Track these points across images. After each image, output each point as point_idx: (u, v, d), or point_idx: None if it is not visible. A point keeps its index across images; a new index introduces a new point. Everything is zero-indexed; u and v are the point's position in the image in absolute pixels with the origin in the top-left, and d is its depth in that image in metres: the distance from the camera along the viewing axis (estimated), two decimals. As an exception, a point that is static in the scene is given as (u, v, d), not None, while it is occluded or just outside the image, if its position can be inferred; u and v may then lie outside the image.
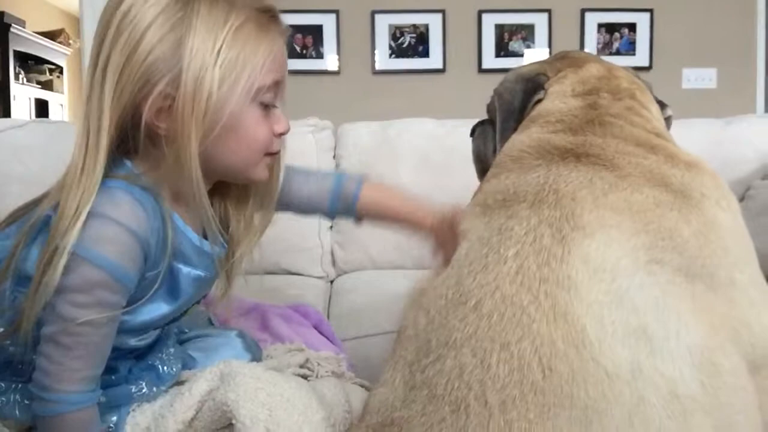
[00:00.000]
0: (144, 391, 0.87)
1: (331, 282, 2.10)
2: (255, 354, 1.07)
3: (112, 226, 0.74)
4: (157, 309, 0.84)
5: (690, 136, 2.08)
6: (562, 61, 1.07)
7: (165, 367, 0.91)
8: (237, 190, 0.92)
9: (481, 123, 1.26)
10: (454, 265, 0.79)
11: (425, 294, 0.80)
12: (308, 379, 0.93)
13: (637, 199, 0.78)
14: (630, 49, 3.72)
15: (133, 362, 0.89)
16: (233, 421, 0.77)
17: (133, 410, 0.85)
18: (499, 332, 0.70)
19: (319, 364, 0.97)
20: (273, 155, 0.88)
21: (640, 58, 3.71)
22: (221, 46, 0.75)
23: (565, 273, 0.72)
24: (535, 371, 0.67)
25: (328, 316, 1.72)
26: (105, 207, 0.74)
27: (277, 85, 0.83)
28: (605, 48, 3.71)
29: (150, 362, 0.90)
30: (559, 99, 0.99)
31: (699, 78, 3.71)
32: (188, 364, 0.97)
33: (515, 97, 1.04)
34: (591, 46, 3.71)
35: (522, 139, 0.94)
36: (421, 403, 0.70)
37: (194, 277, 0.86)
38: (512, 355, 0.68)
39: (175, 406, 0.82)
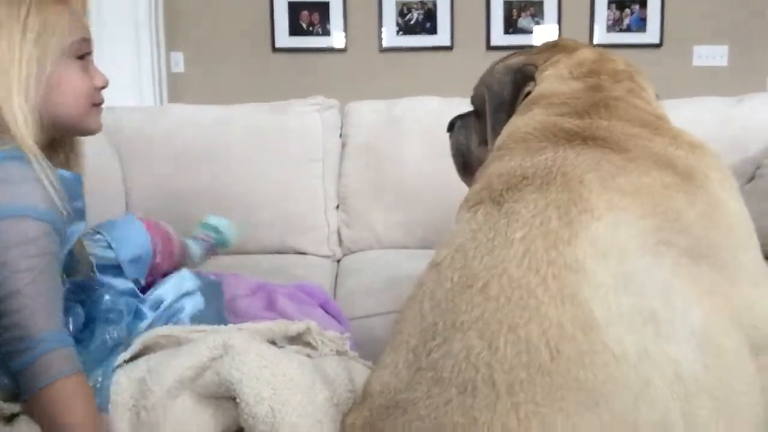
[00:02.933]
0: (114, 335, 0.92)
1: (338, 261, 2.10)
2: (207, 287, 1.14)
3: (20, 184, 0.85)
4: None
5: (700, 114, 2.06)
6: (552, 49, 1.08)
7: (112, 315, 0.98)
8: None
9: (459, 117, 1.26)
10: (460, 249, 0.79)
11: (427, 278, 0.80)
12: (311, 357, 0.93)
13: (644, 182, 0.78)
14: (641, 25, 3.68)
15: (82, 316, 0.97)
16: (237, 400, 0.77)
17: (126, 363, 0.87)
18: (507, 315, 0.70)
19: (323, 342, 0.97)
20: (99, 105, 1.02)
21: (651, 34, 3.67)
22: (27, 14, 0.89)
23: (572, 255, 0.72)
24: (543, 353, 0.67)
25: (335, 296, 1.72)
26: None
27: (86, 42, 0.98)
28: (615, 24, 3.67)
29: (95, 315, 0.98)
30: (558, 81, 0.99)
31: (710, 55, 3.66)
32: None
33: (505, 88, 1.05)
34: (601, 22, 3.67)
35: (526, 121, 0.94)
36: (427, 386, 0.70)
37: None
38: (520, 337, 0.68)
39: (172, 362, 0.82)
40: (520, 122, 0.94)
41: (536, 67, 1.05)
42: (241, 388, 0.76)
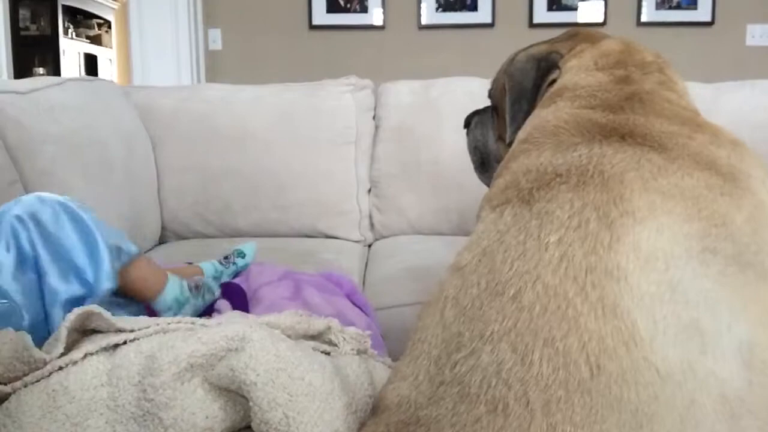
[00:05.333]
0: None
1: (369, 246, 2.06)
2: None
3: None
4: None
5: (754, 98, 1.96)
6: (575, 38, 1.04)
7: None
8: None
9: (476, 113, 1.23)
10: (486, 252, 0.73)
11: (449, 283, 0.75)
12: (330, 354, 0.89)
13: (688, 183, 0.73)
14: (691, 3, 3.53)
15: None
16: (250, 403, 0.73)
17: (138, 339, 0.83)
18: (542, 326, 0.65)
19: (344, 339, 0.93)
20: None
21: (702, 12, 3.52)
22: None
23: (614, 262, 0.67)
24: (583, 370, 0.62)
25: (363, 283, 1.68)
26: None
27: None
28: (665, 2, 3.53)
29: None
30: (583, 72, 0.95)
31: (764, 34, 3.51)
32: None
33: (527, 78, 1.01)
34: (650, -1, 3.52)
35: (554, 113, 0.89)
36: (452, 402, 0.65)
37: None
38: (557, 351, 0.63)
39: (188, 343, 0.77)
40: (547, 115, 0.90)
41: (561, 55, 1.01)
42: (255, 391, 0.72)
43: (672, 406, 0.61)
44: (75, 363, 0.78)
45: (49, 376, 0.77)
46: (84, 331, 0.86)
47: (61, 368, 0.78)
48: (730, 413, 0.63)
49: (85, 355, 0.79)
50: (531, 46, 1.09)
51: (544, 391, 0.62)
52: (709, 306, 0.66)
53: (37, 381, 0.77)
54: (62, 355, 0.79)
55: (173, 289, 1.17)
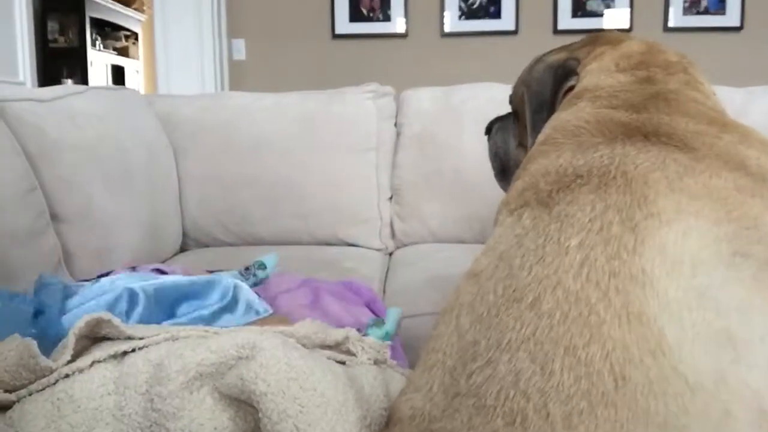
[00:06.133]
0: None
1: (390, 254, 2.04)
2: None
3: None
4: None
5: (785, 104, 1.89)
6: (595, 42, 1.03)
7: None
8: None
9: (498, 119, 1.23)
10: (503, 257, 0.70)
11: (465, 290, 0.72)
12: (346, 364, 0.86)
13: (716, 184, 0.70)
14: (719, 7, 3.48)
15: None
16: (259, 414, 0.71)
17: (147, 347, 0.81)
18: (563, 334, 0.61)
19: (362, 349, 0.90)
20: None
21: (731, 17, 3.46)
22: None
23: (638, 266, 0.63)
24: (606, 380, 0.59)
25: (384, 291, 1.66)
26: None
27: None
28: (692, 6, 3.47)
29: None
30: (603, 74, 0.94)
31: (796, 39, 3.43)
32: None
33: (545, 87, 1.00)
34: (677, 4, 3.48)
35: (574, 114, 0.86)
36: (467, 414, 0.62)
37: None
38: (579, 360, 0.60)
39: (197, 352, 0.75)
40: (567, 116, 0.87)
41: (579, 61, 1.00)
42: (265, 402, 0.70)
43: (704, 419, 0.58)
44: (81, 371, 0.76)
45: (55, 383, 0.76)
46: (94, 339, 0.84)
47: (67, 375, 0.76)
48: (766, 427, 0.59)
49: (93, 363, 0.78)
50: (550, 51, 1.08)
51: (566, 402, 0.59)
52: (741, 313, 0.62)
53: (43, 389, 0.75)
54: (70, 362, 0.78)
55: None
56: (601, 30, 3.33)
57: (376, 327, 1.29)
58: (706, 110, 0.85)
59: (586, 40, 1.07)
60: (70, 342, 0.79)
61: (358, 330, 1.07)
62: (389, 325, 1.24)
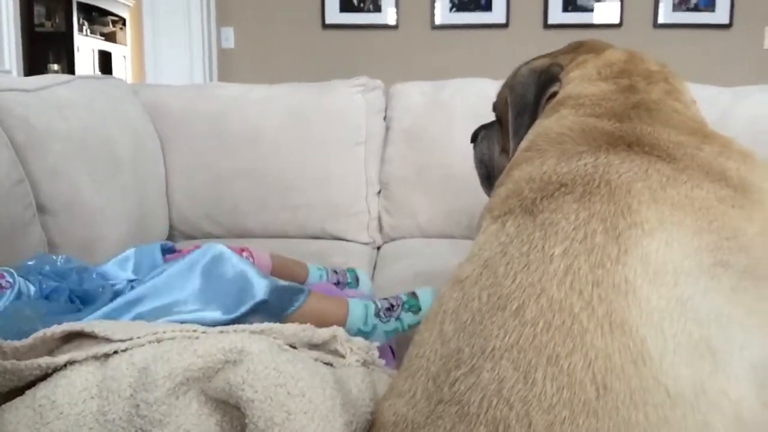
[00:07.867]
0: None
1: (378, 248, 2.04)
2: None
3: None
4: None
5: (773, 102, 1.91)
6: (578, 49, 1.04)
7: None
8: None
9: (483, 127, 1.23)
10: (488, 264, 0.71)
11: (449, 296, 0.72)
12: (334, 365, 0.86)
13: (697, 194, 0.71)
14: (709, 4, 3.48)
15: None
16: (246, 420, 0.71)
17: (130, 349, 0.81)
18: (546, 343, 0.62)
19: (350, 350, 0.90)
20: None
21: (720, 14, 3.47)
22: None
23: (621, 275, 0.64)
24: (588, 390, 0.59)
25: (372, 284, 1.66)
26: None
27: None
28: (682, 3, 3.47)
29: None
30: (586, 82, 0.95)
31: (784, 37, 3.45)
32: None
33: (528, 90, 1.01)
34: (666, 0, 3.47)
35: (557, 121, 0.87)
36: (450, 421, 0.62)
37: None
38: (561, 370, 0.60)
39: (183, 356, 0.75)
40: (550, 123, 0.88)
41: (562, 68, 1.00)
42: (252, 409, 0.70)
43: (683, 429, 0.58)
44: (64, 375, 0.76)
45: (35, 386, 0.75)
46: (67, 337, 0.83)
47: (47, 375, 0.75)
48: None
49: (72, 362, 0.77)
50: (535, 58, 1.09)
51: (548, 411, 0.59)
52: (720, 323, 0.63)
53: (23, 394, 0.74)
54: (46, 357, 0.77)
55: (355, 320, 1.13)
56: (594, 26, 3.30)
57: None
58: (687, 120, 0.85)
59: (570, 46, 1.08)
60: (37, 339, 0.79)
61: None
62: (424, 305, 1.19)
